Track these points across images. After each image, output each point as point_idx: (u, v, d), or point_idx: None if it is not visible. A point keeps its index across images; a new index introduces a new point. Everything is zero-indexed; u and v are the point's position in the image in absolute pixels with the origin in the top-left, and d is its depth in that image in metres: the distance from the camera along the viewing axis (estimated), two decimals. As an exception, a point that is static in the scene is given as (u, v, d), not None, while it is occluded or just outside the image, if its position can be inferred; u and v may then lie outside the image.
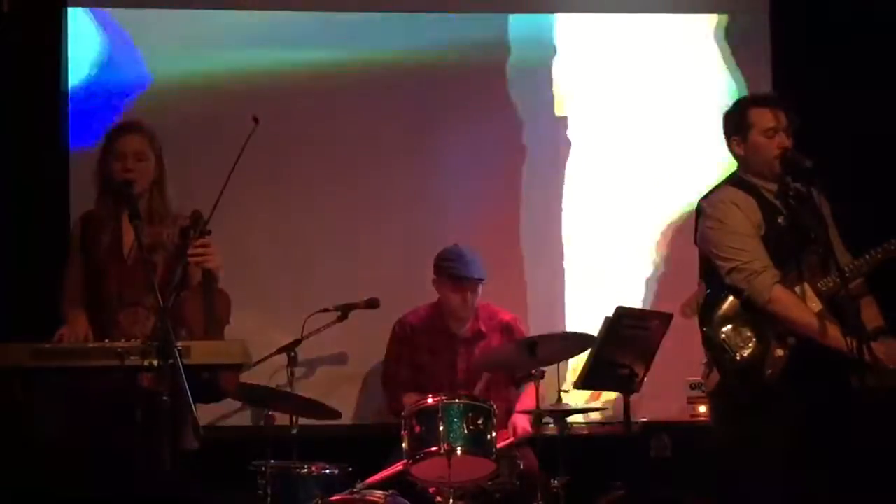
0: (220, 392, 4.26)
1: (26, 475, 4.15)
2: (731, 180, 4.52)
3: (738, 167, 4.54)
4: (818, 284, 4.35)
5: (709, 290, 4.46)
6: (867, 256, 4.38)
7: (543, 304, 6.16)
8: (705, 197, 4.55)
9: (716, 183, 4.62)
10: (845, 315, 4.23)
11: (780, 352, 4.30)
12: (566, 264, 6.25)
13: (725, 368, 4.37)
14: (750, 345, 4.33)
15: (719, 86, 6.27)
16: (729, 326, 4.36)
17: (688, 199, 4.74)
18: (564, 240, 6.27)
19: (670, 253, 6.20)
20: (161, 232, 4.47)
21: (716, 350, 4.40)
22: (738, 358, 4.33)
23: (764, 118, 4.45)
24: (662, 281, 6.17)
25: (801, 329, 4.28)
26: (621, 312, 4.96)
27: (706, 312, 4.46)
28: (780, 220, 4.42)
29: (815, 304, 4.32)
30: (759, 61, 6.35)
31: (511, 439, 5.31)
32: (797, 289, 4.35)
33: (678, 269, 5.87)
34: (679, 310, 4.49)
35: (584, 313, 6.07)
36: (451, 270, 5.55)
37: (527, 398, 5.48)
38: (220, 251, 4.39)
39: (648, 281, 6.18)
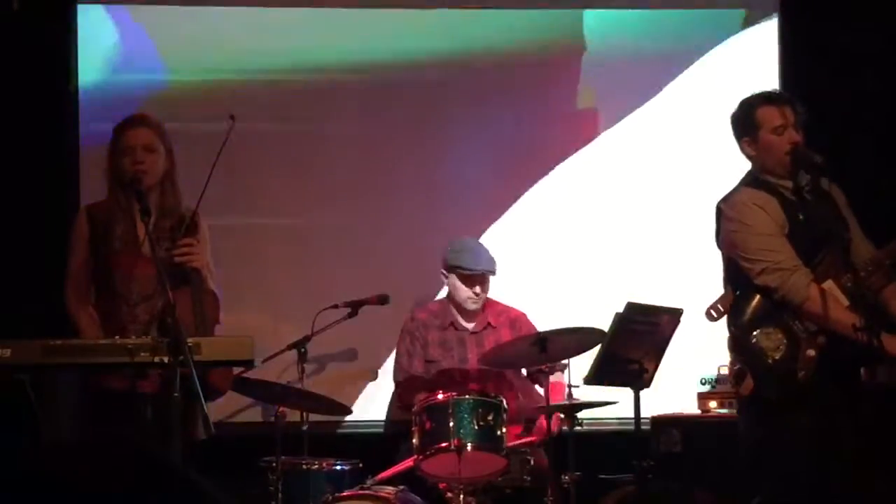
0: (211, 390, 4.23)
1: (36, 472, 4.16)
2: (748, 181, 4.49)
3: (753, 167, 4.52)
4: (842, 280, 4.33)
5: (737, 293, 4.44)
6: (889, 247, 4.36)
7: (554, 300, 6.15)
8: (724, 200, 4.52)
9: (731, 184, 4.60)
10: (864, 308, 4.22)
11: (811, 352, 4.27)
12: (578, 260, 6.24)
13: (759, 372, 4.34)
14: (781, 347, 4.30)
15: (733, 82, 6.24)
16: (759, 329, 4.33)
17: (704, 197, 4.72)
18: (577, 236, 6.26)
19: (686, 251, 6.18)
20: (173, 227, 4.47)
21: (748, 354, 4.36)
22: (770, 361, 4.30)
23: (771, 116, 4.44)
24: (677, 278, 6.15)
25: (839, 327, 4.23)
26: (631, 308, 4.95)
27: (735, 316, 4.43)
28: (801, 216, 4.40)
29: (843, 300, 4.30)
30: (768, 57, 6.35)
31: (533, 438, 5.27)
32: (825, 285, 4.32)
33: (694, 268, 5.86)
34: (705, 313, 4.46)
35: (596, 309, 6.08)
36: (461, 263, 5.56)
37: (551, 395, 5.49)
38: (204, 251, 4.40)
39: (660, 276, 6.16)
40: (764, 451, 4.37)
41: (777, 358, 4.29)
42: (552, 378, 5.45)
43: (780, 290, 4.29)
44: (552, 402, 5.19)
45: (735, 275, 4.45)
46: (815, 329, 4.29)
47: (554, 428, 5.20)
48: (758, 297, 4.36)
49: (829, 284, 4.32)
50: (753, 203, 4.40)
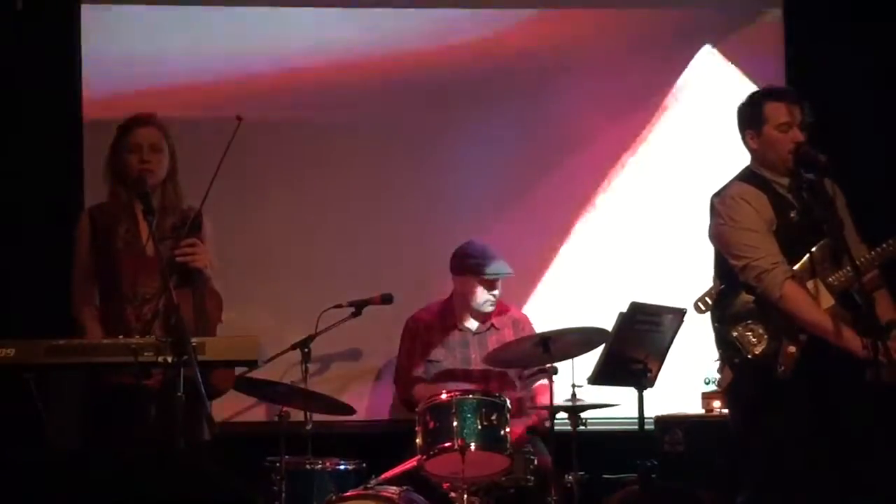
0: (213, 390, 4.22)
1: (41, 474, 4.17)
2: (742, 175, 4.52)
3: (751, 161, 4.54)
4: (830, 279, 4.34)
5: (722, 287, 4.46)
6: (881, 248, 4.37)
7: (558, 300, 6.15)
8: (717, 193, 4.54)
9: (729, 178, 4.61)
10: (860, 309, 4.23)
11: (792, 349, 4.30)
12: (582, 260, 6.25)
13: (738, 365, 4.36)
14: (762, 342, 4.33)
15: (732, 81, 6.25)
16: (741, 324, 4.35)
17: (702, 193, 4.73)
18: (580, 235, 6.27)
19: (685, 247, 6.18)
20: (175, 225, 4.47)
21: (727, 347, 4.40)
22: (749, 356, 4.32)
23: (778, 113, 4.45)
24: (677, 276, 6.16)
25: (812, 327, 4.27)
26: (635, 308, 4.95)
27: (719, 309, 4.46)
28: (793, 214, 4.42)
29: (828, 300, 4.32)
30: (772, 56, 6.34)
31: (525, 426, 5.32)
32: (810, 284, 4.34)
33: (693, 263, 5.87)
34: (693, 305, 4.51)
35: (599, 309, 6.07)
36: (480, 267, 5.55)
37: (538, 395, 5.50)
38: (207, 251, 4.39)
39: (663, 276, 6.16)
40: (745, 449, 4.39)
41: (757, 353, 4.32)
42: (539, 382, 5.49)
43: (758, 287, 4.32)
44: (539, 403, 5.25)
45: (722, 268, 4.48)
46: (798, 326, 4.31)
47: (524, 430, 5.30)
48: (743, 291, 4.38)
49: (813, 283, 4.34)
50: (741, 198, 4.43)
